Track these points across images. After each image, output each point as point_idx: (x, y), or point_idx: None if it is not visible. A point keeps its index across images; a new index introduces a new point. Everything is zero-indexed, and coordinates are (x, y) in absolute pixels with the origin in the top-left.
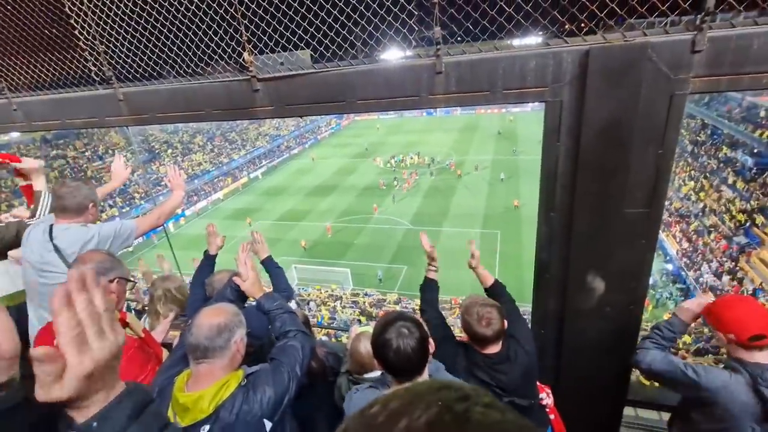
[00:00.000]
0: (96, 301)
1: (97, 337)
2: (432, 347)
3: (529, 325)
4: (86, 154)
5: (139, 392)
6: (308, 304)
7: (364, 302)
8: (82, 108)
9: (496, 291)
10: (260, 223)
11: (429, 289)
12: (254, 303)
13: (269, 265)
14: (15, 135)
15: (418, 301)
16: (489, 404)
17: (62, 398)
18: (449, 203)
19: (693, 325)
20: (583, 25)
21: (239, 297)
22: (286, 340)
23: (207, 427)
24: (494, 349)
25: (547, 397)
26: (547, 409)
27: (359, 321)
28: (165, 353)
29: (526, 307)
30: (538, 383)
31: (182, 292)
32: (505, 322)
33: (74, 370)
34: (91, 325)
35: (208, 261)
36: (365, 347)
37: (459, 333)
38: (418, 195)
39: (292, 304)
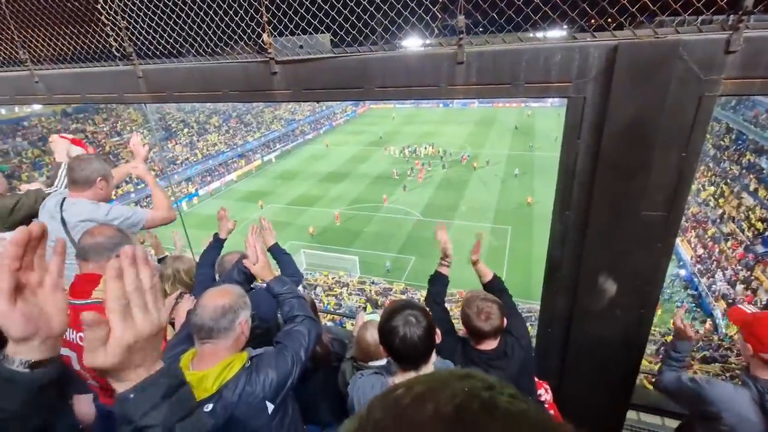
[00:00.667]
0: (143, 277)
1: (141, 312)
2: (438, 338)
3: (536, 324)
4: (105, 129)
5: (174, 374)
6: (315, 289)
7: (371, 290)
8: (102, 83)
9: (494, 286)
10: (271, 206)
11: (438, 282)
12: (264, 285)
13: (276, 251)
14: (36, 107)
15: (425, 293)
16: (514, 395)
17: (105, 365)
18: (461, 196)
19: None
20: (611, 20)
21: (246, 279)
22: (293, 324)
23: (210, 405)
24: (491, 345)
25: (545, 393)
26: (546, 405)
27: (365, 308)
28: (169, 331)
29: (533, 305)
30: (536, 379)
31: (190, 275)
32: (505, 320)
33: (118, 339)
34: (137, 300)
35: (217, 244)
36: (372, 336)
37: (460, 327)
38: (430, 186)
39: (300, 289)
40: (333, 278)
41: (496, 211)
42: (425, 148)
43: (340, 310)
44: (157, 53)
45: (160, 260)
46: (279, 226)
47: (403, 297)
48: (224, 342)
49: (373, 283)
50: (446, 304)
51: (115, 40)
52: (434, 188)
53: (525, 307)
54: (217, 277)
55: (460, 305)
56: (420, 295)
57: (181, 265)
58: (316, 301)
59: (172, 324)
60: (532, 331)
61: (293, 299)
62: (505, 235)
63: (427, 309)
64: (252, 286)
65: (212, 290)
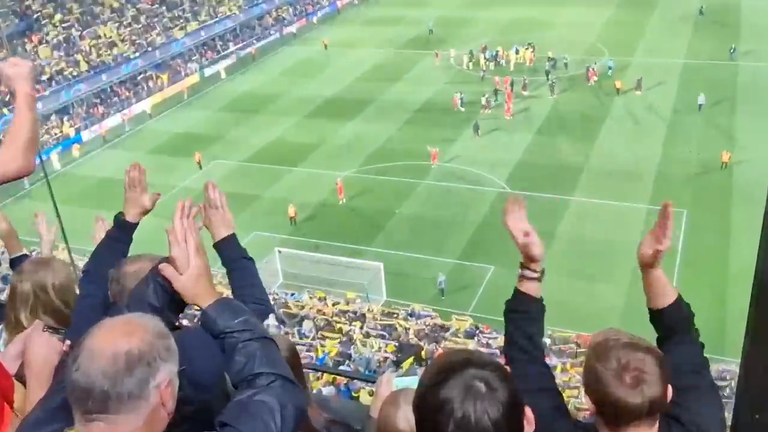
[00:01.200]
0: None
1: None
2: (530, 422)
3: (731, 401)
4: None
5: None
6: (300, 323)
7: (407, 329)
8: None
9: (671, 320)
10: (220, 164)
11: (524, 310)
12: (198, 318)
13: (230, 252)
14: None
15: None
16: None
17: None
18: (587, 148)
19: None
20: None
21: (170, 304)
22: (252, 391)
23: None
24: None
25: None
26: None
27: (395, 365)
28: (19, 392)
29: (725, 364)
30: None
31: (65, 293)
32: (669, 388)
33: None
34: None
35: (122, 234)
36: (406, 418)
37: (575, 401)
38: (525, 127)
39: (270, 325)
40: (335, 304)
41: (657, 179)
42: (517, 51)
43: (347, 365)
44: None
45: (12, 263)
46: (234, 202)
47: (470, 344)
48: (128, 419)
49: (412, 315)
50: (550, 359)
51: None
52: (533, 132)
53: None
54: (115, 301)
55: (580, 359)
56: (500, 342)
57: (48, 277)
58: (300, 347)
59: (22, 380)
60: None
61: (253, 342)
62: (677, 225)
63: (507, 367)
64: (180, 316)
65: (107, 326)
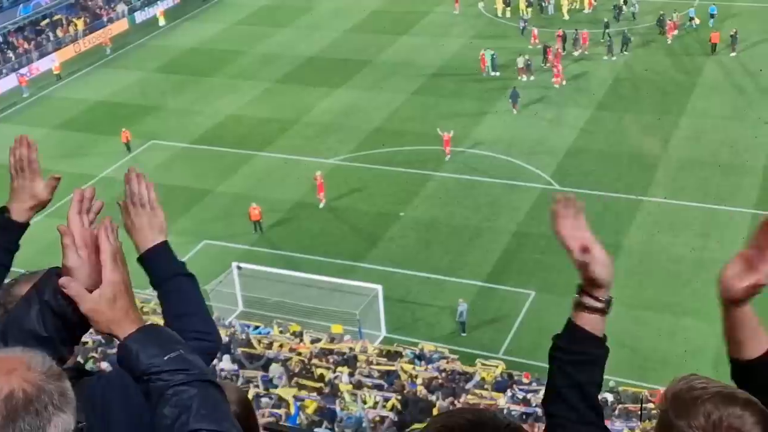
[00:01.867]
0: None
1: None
2: None
3: None
4: None
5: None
6: (266, 367)
7: (414, 377)
8: None
9: (763, 373)
10: (156, 146)
11: (575, 353)
12: (113, 353)
13: (162, 266)
14: None
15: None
16: None
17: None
18: (667, 130)
19: None
20: None
21: (61, 333)
22: None
23: None
24: None
25: None
26: None
27: (398, 423)
28: None
29: None
30: None
31: None
32: None
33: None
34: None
35: (4, 237)
36: None
37: None
38: (580, 101)
39: (224, 370)
40: (314, 341)
41: (767, 173)
42: None
43: (328, 428)
44: None
45: None
46: (175, 199)
47: (501, 401)
48: None
49: (420, 358)
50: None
51: None
52: (591, 107)
53: None
54: None
55: (655, 423)
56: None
57: None
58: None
59: None
60: None
61: (189, 388)
62: None
63: None
64: (79, 362)
65: None
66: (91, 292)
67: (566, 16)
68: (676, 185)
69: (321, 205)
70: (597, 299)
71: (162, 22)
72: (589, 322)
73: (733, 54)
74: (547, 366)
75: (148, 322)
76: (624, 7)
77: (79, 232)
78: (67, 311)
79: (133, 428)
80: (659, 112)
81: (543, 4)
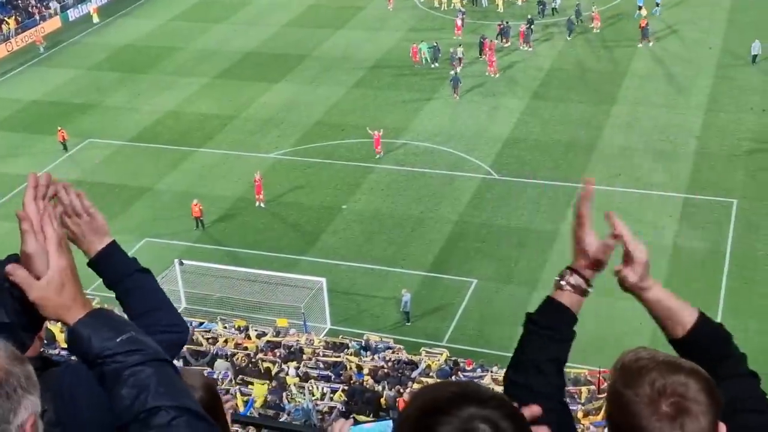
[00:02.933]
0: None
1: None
2: None
3: None
4: None
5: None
6: (211, 363)
7: (360, 367)
8: None
9: (700, 348)
10: (93, 144)
11: (553, 328)
12: (66, 339)
13: (115, 267)
14: None
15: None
16: None
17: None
18: (601, 118)
19: None
20: None
21: (23, 319)
22: None
23: None
24: None
25: None
26: None
27: (344, 414)
28: None
29: None
30: None
31: None
32: (722, 428)
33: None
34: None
35: None
36: None
37: None
38: (515, 91)
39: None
40: (260, 336)
41: (696, 158)
42: None
43: (280, 418)
44: None
45: None
46: (115, 198)
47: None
48: None
49: (365, 348)
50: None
51: None
52: (527, 96)
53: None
54: None
55: (597, 405)
56: (493, 377)
57: None
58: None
59: None
60: None
61: (144, 368)
62: (724, 221)
63: (515, 406)
64: (40, 337)
65: None
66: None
67: (501, 8)
68: (611, 172)
69: (260, 205)
70: (587, 280)
71: (96, 19)
72: (569, 301)
73: (641, 45)
74: (490, 352)
75: (99, 307)
76: (547, 2)
77: (36, 218)
78: (21, 300)
79: (100, 416)
80: (593, 101)
81: None
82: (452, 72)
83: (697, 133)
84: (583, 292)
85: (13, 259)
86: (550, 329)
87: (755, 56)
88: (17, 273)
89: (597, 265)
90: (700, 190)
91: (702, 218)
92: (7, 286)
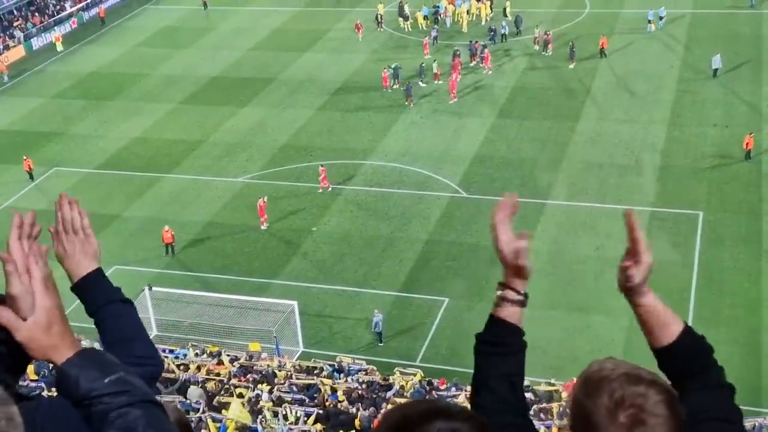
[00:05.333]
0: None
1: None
2: None
3: None
4: None
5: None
6: (183, 390)
7: (334, 390)
8: None
9: (682, 358)
10: (59, 173)
11: (498, 344)
12: (54, 379)
13: (98, 294)
14: None
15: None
16: None
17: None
18: (566, 135)
19: None
20: None
21: (13, 360)
22: None
23: None
24: None
25: None
26: None
27: None
28: None
29: (763, 418)
30: None
31: None
32: None
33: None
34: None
35: None
36: None
37: None
38: (482, 110)
39: (162, 393)
40: (232, 360)
41: (661, 172)
42: (463, 5)
43: None
44: None
45: None
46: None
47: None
48: None
49: (339, 371)
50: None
51: None
52: (495, 115)
53: (748, 424)
54: None
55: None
56: (466, 395)
57: None
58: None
59: None
60: None
61: (132, 410)
62: (691, 233)
63: (484, 420)
64: (22, 386)
65: None
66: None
67: (465, 29)
68: (577, 188)
69: (264, 227)
70: (518, 292)
71: (60, 47)
72: (509, 314)
73: (572, 65)
74: (463, 371)
75: (86, 347)
76: (494, 30)
77: (20, 259)
78: (10, 339)
79: None
80: (556, 118)
81: (439, 17)
82: (419, 83)
83: (661, 147)
84: (521, 303)
85: None
86: (496, 345)
87: (716, 70)
88: (3, 314)
89: (518, 272)
90: (666, 204)
91: (669, 231)
92: None
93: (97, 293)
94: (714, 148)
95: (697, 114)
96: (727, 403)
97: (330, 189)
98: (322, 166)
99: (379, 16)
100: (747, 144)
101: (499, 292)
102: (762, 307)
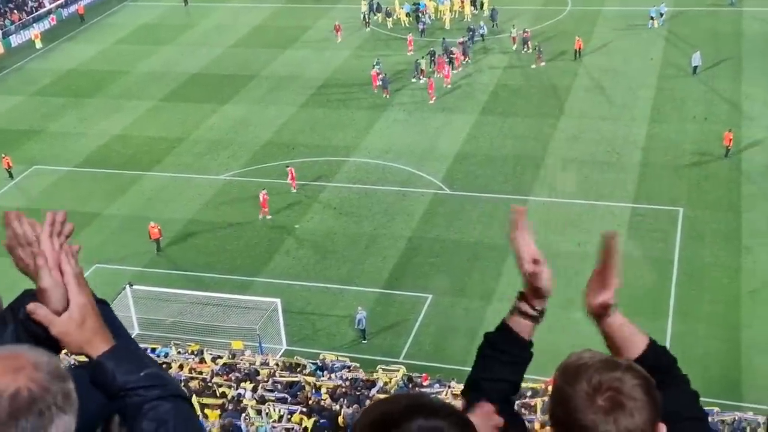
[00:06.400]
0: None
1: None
2: None
3: None
4: None
5: None
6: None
7: (318, 387)
8: None
9: (648, 369)
10: (39, 171)
11: (503, 351)
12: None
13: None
14: None
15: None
16: None
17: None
18: (548, 132)
19: None
20: None
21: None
22: None
23: None
24: None
25: None
26: None
27: None
28: None
29: (742, 412)
30: None
31: None
32: (662, 428)
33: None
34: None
35: None
36: None
37: None
38: (464, 107)
39: None
40: (215, 359)
41: (642, 169)
42: (444, 2)
43: None
44: None
45: None
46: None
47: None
48: None
49: (322, 368)
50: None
51: None
52: (478, 112)
53: (728, 417)
54: None
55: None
56: (453, 392)
57: None
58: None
59: None
60: None
61: (164, 403)
62: (671, 230)
63: (466, 418)
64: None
65: None
66: (62, 312)
67: (448, 26)
68: (559, 184)
69: (265, 218)
70: (533, 308)
71: (39, 44)
72: (520, 326)
73: (537, 65)
74: (447, 367)
75: (119, 340)
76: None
77: (51, 255)
78: (40, 331)
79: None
80: (538, 115)
81: (419, 15)
82: (413, 80)
83: (641, 144)
84: (534, 319)
85: (29, 293)
86: (502, 352)
87: (695, 67)
88: (38, 312)
89: (536, 292)
90: (646, 200)
91: (649, 227)
92: (21, 319)
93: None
94: (694, 145)
95: (678, 111)
96: (695, 405)
97: (295, 190)
98: (287, 167)
99: (365, 15)
100: (726, 141)
101: (518, 303)
102: (741, 302)
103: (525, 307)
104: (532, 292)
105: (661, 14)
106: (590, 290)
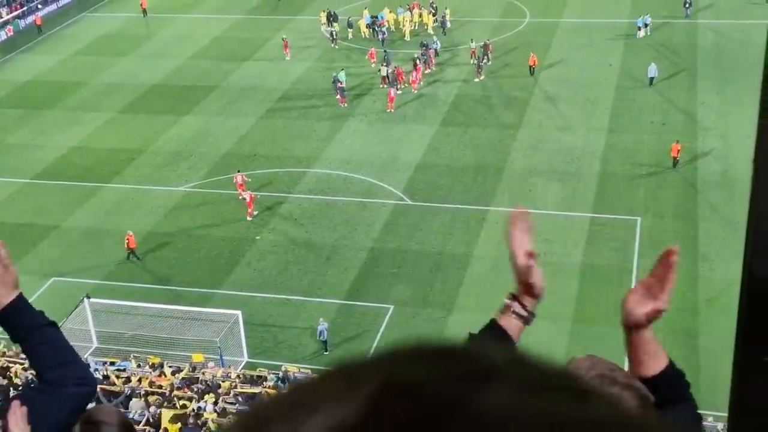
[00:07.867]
0: None
1: None
2: None
3: None
4: None
5: None
6: (126, 403)
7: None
8: None
9: (666, 390)
10: None
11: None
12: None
13: (23, 320)
14: None
15: None
16: None
17: None
18: (507, 143)
19: None
20: None
21: None
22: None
23: None
24: None
25: None
26: None
27: None
28: None
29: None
30: None
31: None
32: None
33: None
34: None
35: None
36: None
37: None
38: (425, 118)
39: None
40: (175, 372)
41: (601, 178)
42: (401, 13)
43: None
44: None
45: None
46: (18, 238)
47: None
48: None
49: (284, 380)
50: None
51: None
52: (438, 123)
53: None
54: None
55: None
56: None
57: None
58: None
59: None
60: None
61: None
62: (629, 239)
63: None
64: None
65: None
66: None
67: (408, 38)
68: (519, 194)
69: (250, 218)
70: (525, 308)
71: None
72: (510, 326)
73: (479, 79)
74: None
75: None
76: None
77: None
78: None
79: None
80: (498, 125)
81: (376, 27)
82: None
83: (600, 154)
84: (524, 320)
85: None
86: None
87: (652, 78)
88: None
89: (529, 289)
90: (605, 210)
91: (608, 237)
92: None
93: (23, 320)
94: (651, 155)
95: (635, 121)
96: (698, 424)
97: (241, 198)
98: (236, 174)
99: (334, 33)
100: (674, 152)
101: (507, 301)
102: (699, 310)
103: (516, 306)
104: (524, 290)
105: (646, 24)
106: (635, 299)
